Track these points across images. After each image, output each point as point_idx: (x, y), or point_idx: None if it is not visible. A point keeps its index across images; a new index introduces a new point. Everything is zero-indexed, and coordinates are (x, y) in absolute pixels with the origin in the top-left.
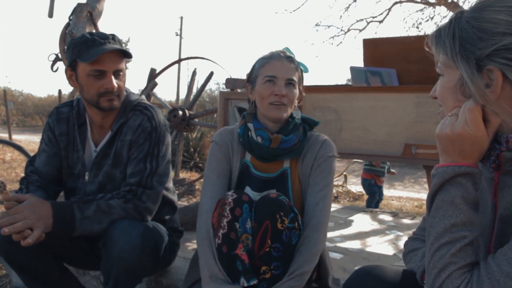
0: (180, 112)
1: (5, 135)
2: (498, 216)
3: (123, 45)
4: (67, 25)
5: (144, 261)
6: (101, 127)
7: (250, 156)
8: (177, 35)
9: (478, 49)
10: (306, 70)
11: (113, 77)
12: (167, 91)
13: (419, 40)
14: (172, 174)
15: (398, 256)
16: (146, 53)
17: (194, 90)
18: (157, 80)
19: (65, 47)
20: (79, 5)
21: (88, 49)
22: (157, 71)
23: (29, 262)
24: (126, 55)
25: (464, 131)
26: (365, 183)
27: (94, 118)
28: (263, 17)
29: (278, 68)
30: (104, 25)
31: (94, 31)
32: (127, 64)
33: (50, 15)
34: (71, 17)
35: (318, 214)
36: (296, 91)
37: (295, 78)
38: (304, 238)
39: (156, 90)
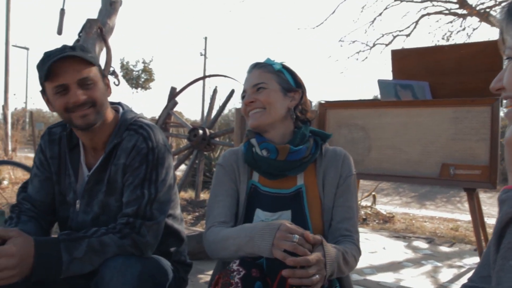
0: (201, 131)
1: (31, 155)
2: None
3: (145, 64)
4: (77, 42)
5: None
6: (94, 149)
7: (257, 176)
8: (201, 55)
9: None
10: (278, 66)
11: (79, 89)
12: (193, 110)
13: (454, 49)
14: (192, 195)
15: None
16: (170, 73)
17: (217, 109)
18: (182, 99)
19: None
20: (88, 20)
21: (45, 66)
22: (178, 90)
23: None
24: (89, 60)
25: None
26: None
27: (83, 140)
28: (286, 34)
29: (246, 81)
30: (126, 44)
31: (104, 48)
32: (151, 84)
33: (59, 32)
34: (80, 34)
35: (354, 236)
36: (272, 92)
37: (265, 81)
38: (352, 247)
39: (181, 110)
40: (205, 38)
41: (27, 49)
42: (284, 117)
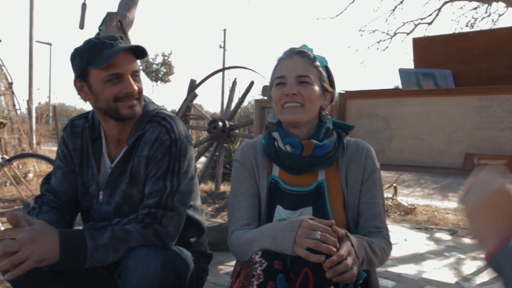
0: (220, 123)
1: (54, 148)
2: None
3: (164, 57)
4: (97, 35)
5: None
6: (118, 141)
7: (278, 170)
8: (220, 47)
9: None
10: (324, 62)
11: (131, 80)
12: (212, 102)
13: (479, 36)
14: (212, 187)
15: (461, 285)
16: (189, 66)
17: (236, 101)
18: (201, 92)
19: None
20: (108, 14)
21: (100, 53)
22: (197, 82)
23: None
24: (142, 53)
25: None
26: None
27: (111, 132)
28: (306, 25)
29: (286, 66)
30: (145, 37)
31: None
32: (170, 77)
33: (81, 26)
34: (101, 27)
35: (384, 231)
36: (315, 89)
37: (310, 75)
38: (381, 240)
39: (201, 102)
40: (224, 30)
41: (50, 44)
42: (316, 115)
